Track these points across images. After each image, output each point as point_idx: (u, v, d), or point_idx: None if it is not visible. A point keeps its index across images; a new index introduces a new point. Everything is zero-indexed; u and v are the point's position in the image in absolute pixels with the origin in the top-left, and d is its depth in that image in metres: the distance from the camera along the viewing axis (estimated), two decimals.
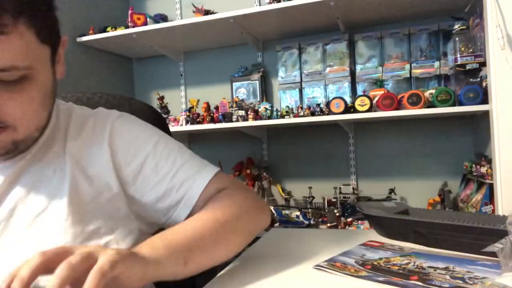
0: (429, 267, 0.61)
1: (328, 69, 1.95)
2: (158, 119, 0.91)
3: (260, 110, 1.87)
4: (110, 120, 0.67)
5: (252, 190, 0.73)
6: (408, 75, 1.82)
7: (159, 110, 2.11)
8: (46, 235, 0.56)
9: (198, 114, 1.99)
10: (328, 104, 1.73)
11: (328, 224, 1.79)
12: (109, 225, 0.60)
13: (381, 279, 0.57)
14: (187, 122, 1.97)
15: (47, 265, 0.41)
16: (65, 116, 0.69)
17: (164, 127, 0.92)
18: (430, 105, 1.58)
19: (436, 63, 1.78)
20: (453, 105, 1.53)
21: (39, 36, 0.54)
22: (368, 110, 1.66)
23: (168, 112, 2.12)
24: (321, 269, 0.64)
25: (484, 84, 1.46)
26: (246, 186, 0.71)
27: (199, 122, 1.97)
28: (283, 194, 2.08)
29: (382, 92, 1.69)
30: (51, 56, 0.60)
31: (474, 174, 1.59)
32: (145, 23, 1.98)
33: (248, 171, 2.07)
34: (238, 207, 0.64)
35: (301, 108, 1.82)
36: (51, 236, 0.55)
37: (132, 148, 0.65)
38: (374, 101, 1.67)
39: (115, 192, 0.62)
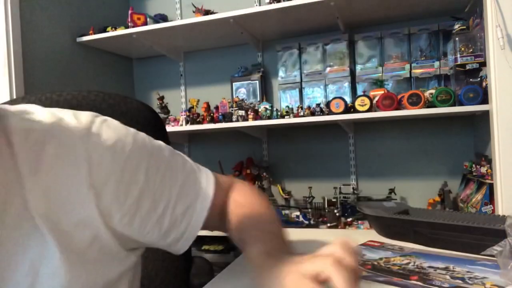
0: (429, 267, 0.61)
1: (328, 69, 1.95)
2: (155, 118, 0.89)
3: (260, 110, 1.87)
4: (82, 143, 0.47)
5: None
6: (408, 75, 1.82)
7: (159, 110, 2.11)
8: None
9: (198, 114, 1.99)
10: (328, 104, 1.73)
11: (328, 224, 1.79)
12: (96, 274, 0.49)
13: (381, 279, 0.57)
14: (187, 122, 1.97)
15: None
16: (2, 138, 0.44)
17: (161, 127, 0.91)
18: (430, 105, 1.58)
19: (436, 63, 1.78)
20: (453, 105, 1.53)
21: None
22: (368, 110, 1.66)
23: (168, 112, 2.12)
24: None
25: (484, 84, 1.46)
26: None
27: (199, 122, 1.96)
28: (283, 194, 2.08)
29: (382, 92, 1.69)
30: None
31: (474, 174, 1.59)
32: (145, 23, 1.98)
33: (248, 171, 2.07)
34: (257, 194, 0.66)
35: (301, 108, 1.82)
36: None
37: (122, 183, 0.48)
38: (374, 101, 1.67)
39: (103, 243, 0.48)
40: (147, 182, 0.51)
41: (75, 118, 0.49)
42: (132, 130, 0.54)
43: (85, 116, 0.50)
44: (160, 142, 0.58)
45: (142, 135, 0.55)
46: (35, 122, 0.46)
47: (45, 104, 0.80)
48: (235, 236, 0.59)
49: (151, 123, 0.86)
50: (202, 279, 0.78)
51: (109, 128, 0.50)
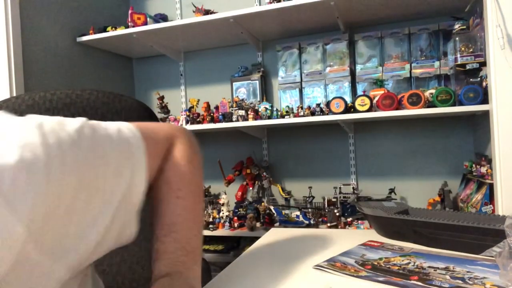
0: (429, 267, 0.61)
1: (328, 69, 1.95)
2: (150, 116, 0.89)
3: (260, 110, 1.87)
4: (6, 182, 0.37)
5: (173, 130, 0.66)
6: (408, 75, 1.82)
7: (159, 110, 2.11)
8: None
9: (198, 114, 1.99)
10: (328, 104, 1.73)
11: (328, 224, 1.79)
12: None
13: (381, 279, 0.57)
14: (187, 122, 1.97)
15: None
16: None
17: None
18: (430, 105, 1.58)
19: (436, 63, 1.78)
20: (453, 105, 1.53)
21: None
22: (368, 110, 1.66)
23: (168, 112, 2.12)
24: (321, 269, 0.64)
25: (484, 84, 1.46)
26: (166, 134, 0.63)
27: (199, 122, 1.97)
28: (283, 194, 2.08)
29: (382, 92, 1.69)
30: None
31: (474, 174, 1.59)
32: (145, 23, 1.98)
33: (248, 171, 2.08)
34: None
35: (301, 108, 1.82)
36: None
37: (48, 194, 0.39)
38: (374, 101, 1.67)
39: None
40: (80, 181, 0.43)
41: None
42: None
43: None
44: (76, 127, 0.46)
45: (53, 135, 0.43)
46: None
47: (39, 103, 0.80)
48: (155, 233, 0.56)
49: (146, 121, 0.86)
50: (202, 279, 0.78)
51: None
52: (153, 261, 0.54)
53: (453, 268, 0.60)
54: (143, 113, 0.87)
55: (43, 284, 0.43)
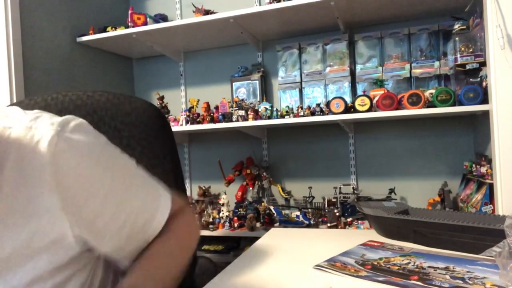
0: (429, 267, 0.61)
1: (328, 69, 1.95)
2: (159, 117, 0.88)
3: (260, 110, 1.87)
4: (47, 152, 0.47)
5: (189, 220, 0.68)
6: (408, 75, 1.82)
7: None
8: None
9: (198, 114, 1.99)
10: (328, 104, 1.73)
11: (328, 224, 1.79)
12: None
13: (381, 279, 0.57)
14: (187, 122, 1.97)
15: None
16: None
17: (166, 126, 0.90)
18: (430, 105, 1.58)
19: (436, 63, 1.78)
20: (453, 105, 1.53)
21: None
22: (368, 110, 1.66)
23: (168, 112, 2.12)
24: (321, 269, 0.64)
25: (484, 84, 1.46)
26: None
27: (199, 122, 1.97)
28: (283, 194, 2.08)
29: (382, 92, 1.69)
30: None
31: (474, 174, 1.59)
32: (145, 23, 1.98)
33: (248, 171, 2.08)
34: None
35: (301, 108, 1.82)
36: None
37: (83, 193, 0.50)
38: (374, 101, 1.67)
39: (67, 242, 0.50)
40: (113, 188, 0.53)
41: (26, 128, 0.49)
42: (102, 139, 0.56)
43: (40, 127, 0.49)
44: (126, 157, 0.59)
45: (111, 147, 0.57)
46: (6, 129, 0.48)
47: (51, 105, 0.81)
48: (130, 272, 0.56)
49: (156, 122, 0.85)
50: (207, 280, 0.78)
51: (72, 140, 0.50)
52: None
53: (453, 268, 0.60)
54: (153, 114, 0.86)
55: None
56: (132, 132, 0.80)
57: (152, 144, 0.82)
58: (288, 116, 1.81)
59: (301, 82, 2.01)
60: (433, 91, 1.59)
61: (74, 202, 0.49)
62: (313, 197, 1.99)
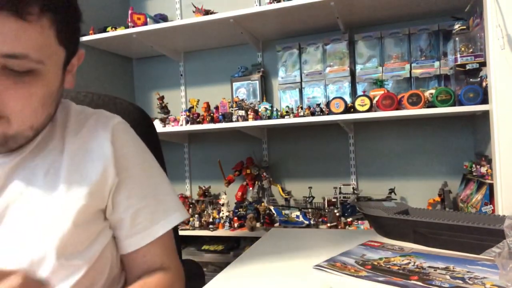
0: (429, 267, 0.61)
1: (328, 69, 1.95)
2: (144, 118, 0.90)
3: (260, 110, 1.87)
4: (114, 122, 0.68)
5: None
6: (408, 75, 1.82)
7: (159, 110, 2.11)
8: (33, 241, 0.57)
9: (198, 114, 1.99)
10: (328, 104, 1.73)
11: (328, 224, 1.79)
12: (86, 234, 0.61)
13: (381, 279, 0.57)
14: (187, 122, 1.97)
15: None
16: (63, 112, 0.68)
17: (150, 127, 0.92)
18: (430, 105, 1.58)
19: (436, 63, 1.78)
20: (453, 105, 1.53)
21: (58, 36, 0.55)
22: (368, 110, 1.66)
23: (168, 112, 2.12)
24: (321, 269, 0.64)
25: (484, 84, 1.46)
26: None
27: (199, 122, 1.97)
28: (283, 194, 2.08)
29: (382, 92, 1.69)
30: (65, 60, 0.59)
31: (474, 174, 1.59)
32: (145, 23, 1.98)
33: (248, 171, 2.07)
34: None
35: (301, 108, 1.82)
36: (37, 242, 0.57)
37: (129, 155, 0.67)
38: (374, 101, 1.67)
39: (109, 185, 0.63)
40: (152, 164, 0.72)
41: (110, 113, 0.71)
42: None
43: (117, 116, 0.71)
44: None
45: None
46: (86, 108, 0.71)
47: None
48: None
49: (141, 123, 0.86)
50: (193, 284, 0.78)
51: (131, 129, 0.72)
52: None
53: (453, 268, 0.60)
54: (137, 116, 0.88)
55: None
56: None
57: None
58: (288, 116, 1.81)
59: (301, 82, 2.01)
60: (433, 91, 1.59)
61: (121, 160, 0.65)
62: (313, 197, 1.99)
